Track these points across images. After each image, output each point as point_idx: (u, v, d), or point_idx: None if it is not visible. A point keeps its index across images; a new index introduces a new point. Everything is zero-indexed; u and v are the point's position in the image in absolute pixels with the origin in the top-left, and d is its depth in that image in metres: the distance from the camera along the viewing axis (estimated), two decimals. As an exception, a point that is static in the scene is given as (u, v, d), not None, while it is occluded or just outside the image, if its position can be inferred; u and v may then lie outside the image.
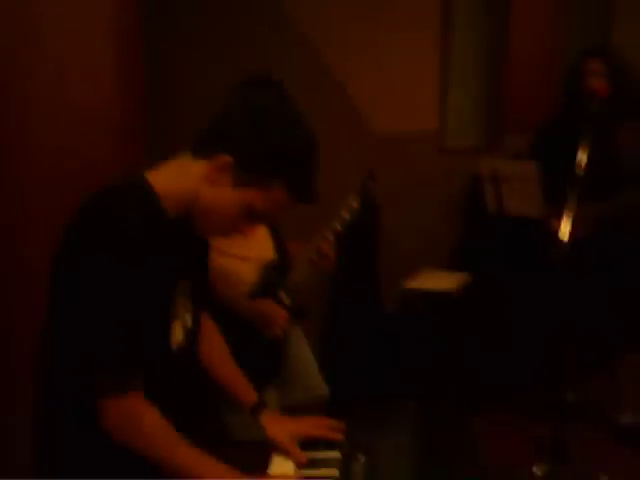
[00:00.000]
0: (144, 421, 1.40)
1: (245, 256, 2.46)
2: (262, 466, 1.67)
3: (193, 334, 1.62)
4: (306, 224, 2.52)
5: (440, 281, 3.88)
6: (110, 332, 1.35)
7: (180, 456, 1.42)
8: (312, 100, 2.54)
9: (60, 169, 2.33)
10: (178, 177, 1.48)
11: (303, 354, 2.75)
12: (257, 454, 1.71)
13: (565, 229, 2.83)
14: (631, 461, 3.31)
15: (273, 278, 2.53)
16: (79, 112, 2.39)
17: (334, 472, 1.45)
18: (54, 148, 2.32)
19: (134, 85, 2.65)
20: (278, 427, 1.75)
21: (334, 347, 3.80)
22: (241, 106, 1.46)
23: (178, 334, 1.54)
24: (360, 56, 3.89)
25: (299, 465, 1.66)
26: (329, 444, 1.73)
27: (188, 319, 1.59)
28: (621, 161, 3.19)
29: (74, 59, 2.36)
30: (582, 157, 2.89)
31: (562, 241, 2.81)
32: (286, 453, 1.70)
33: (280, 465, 1.68)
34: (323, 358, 3.32)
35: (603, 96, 3.06)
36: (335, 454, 1.68)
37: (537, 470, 3.09)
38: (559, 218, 2.86)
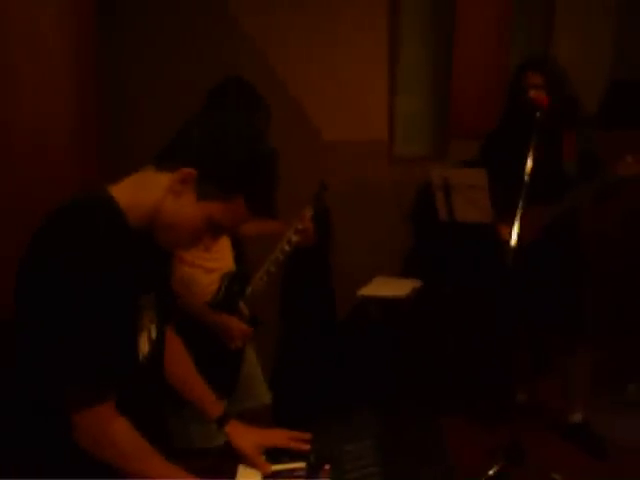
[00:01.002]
0: (114, 433, 1.41)
1: (207, 267, 2.47)
2: (228, 476, 1.67)
3: (158, 345, 1.62)
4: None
5: (392, 288, 3.92)
6: (76, 346, 1.35)
7: (150, 468, 1.42)
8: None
9: (14, 182, 2.28)
10: (141, 190, 1.48)
11: (251, 362, 2.78)
12: (222, 464, 1.72)
13: (513, 234, 2.91)
14: (583, 460, 3.40)
15: (233, 289, 2.54)
16: (33, 124, 2.35)
17: None
18: (7, 161, 2.28)
19: (89, 96, 2.62)
20: (243, 438, 1.76)
21: (288, 355, 3.80)
22: (204, 121, 1.49)
23: (144, 346, 1.54)
24: (310, 66, 3.93)
25: (265, 475, 1.66)
26: (294, 455, 1.73)
27: (153, 331, 1.59)
28: (564, 173, 3.28)
29: (28, 71, 2.32)
30: (528, 163, 2.96)
31: (510, 246, 2.88)
32: (251, 464, 1.71)
33: (246, 475, 1.68)
34: (276, 366, 3.34)
35: (544, 106, 3.14)
36: (301, 465, 1.68)
37: (491, 472, 3.15)
38: (507, 224, 2.94)
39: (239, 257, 2.61)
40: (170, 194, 1.45)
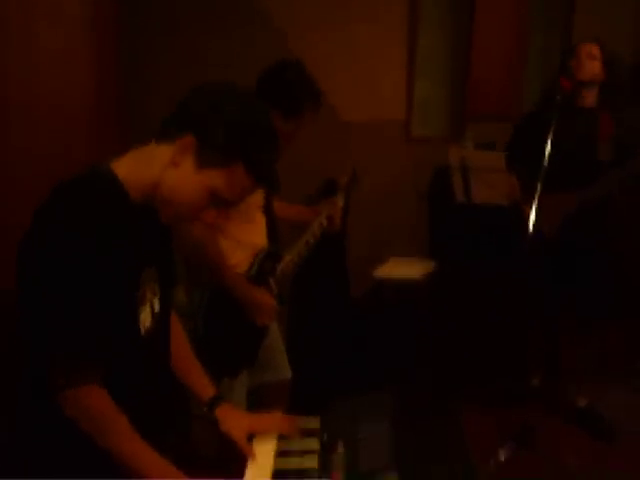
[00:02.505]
0: (94, 409, 1.41)
1: (242, 240, 2.49)
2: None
3: (162, 318, 1.62)
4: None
5: (407, 269, 3.92)
6: (68, 318, 1.36)
7: (124, 447, 1.42)
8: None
9: (34, 155, 2.28)
10: (142, 164, 1.48)
11: (273, 336, 2.80)
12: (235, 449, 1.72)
13: (531, 219, 2.89)
14: (594, 444, 3.40)
15: (267, 266, 2.57)
16: (53, 99, 2.35)
17: (313, 463, 1.45)
18: (28, 134, 2.28)
19: (109, 70, 2.62)
20: (232, 422, 1.75)
21: (304, 335, 3.81)
22: (201, 91, 1.49)
23: (146, 319, 1.54)
24: (329, 47, 3.92)
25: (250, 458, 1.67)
26: (306, 433, 1.73)
27: (156, 304, 1.59)
28: (596, 151, 3.22)
29: (47, 45, 2.31)
30: (547, 148, 2.93)
31: (530, 229, 2.86)
32: (238, 448, 1.70)
33: (260, 453, 1.69)
34: (292, 345, 3.35)
35: (567, 89, 3.09)
36: (314, 443, 1.68)
37: (502, 454, 3.15)
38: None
39: (273, 236, 2.63)
40: (170, 165, 1.45)
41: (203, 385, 1.81)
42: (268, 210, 2.64)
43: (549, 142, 2.93)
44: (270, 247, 2.61)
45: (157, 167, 1.46)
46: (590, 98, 3.19)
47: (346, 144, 3.99)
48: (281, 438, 1.75)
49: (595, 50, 3.17)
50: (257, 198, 2.49)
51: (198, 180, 1.45)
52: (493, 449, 3.18)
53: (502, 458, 3.14)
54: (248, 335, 2.54)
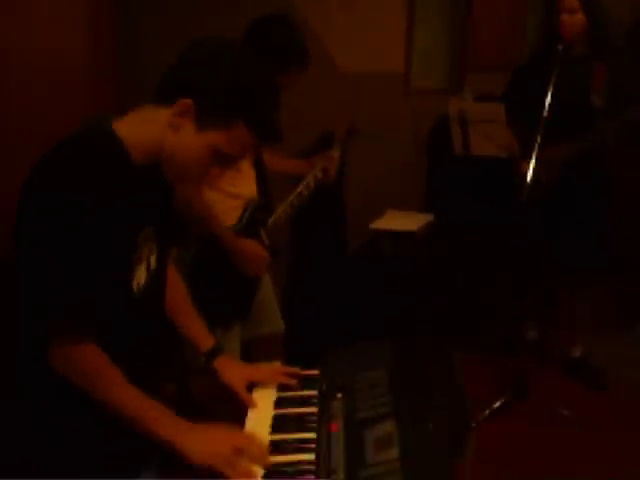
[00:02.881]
0: (88, 363, 1.41)
1: (231, 192, 2.48)
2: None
3: (157, 275, 1.62)
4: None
5: (404, 221, 3.91)
6: (62, 278, 1.35)
7: (120, 396, 1.42)
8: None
9: (31, 117, 2.26)
10: (143, 126, 1.47)
11: (265, 289, 2.81)
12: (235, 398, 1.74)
13: (529, 171, 2.89)
14: (587, 394, 3.46)
15: (257, 217, 2.57)
16: (49, 61, 2.32)
17: (310, 457, 1.46)
18: (24, 98, 2.26)
19: (104, 33, 2.58)
20: (232, 372, 1.77)
21: (302, 286, 3.83)
22: (196, 50, 1.46)
23: (141, 276, 1.54)
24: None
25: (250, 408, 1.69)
26: (305, 383, 1.76)
27: (152, 262, 1.59)
28: (589, 100, 3.20)
29: (43, 9, 2.28)
30: (547, 99, 2.92)
31: (526, 182, 2.86)
32: (238, 398, 1.72)
33: (260, 400, 1.72)
34: (289, 297, 3.37)
35: (568, 38, 3.05)
36: (312, 392, 1.71)
37: (496, 404, 3.20)
38: (528, 160, 2.91)
39: (263, 187, 2.63)
40: (170, 128, 1.44)
41: (202, 336, 1.81)
42: (258, 162, 2.63)
43: (549, 93, 2.92)
44: (260, 198, 2.60)
45: (157, 130, 1.45)
46: (580, 47, 3.14)
47: (344, 95, 3.95)
48: (280, 389, 1.76)
49: (574, 2, 3.11)
50: None
51: (199, 141, 1.44)
52: (489, 398, 3.23)
53: (496, 406, 3.20)
54: (239, 287, 2.54)
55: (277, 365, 1.89)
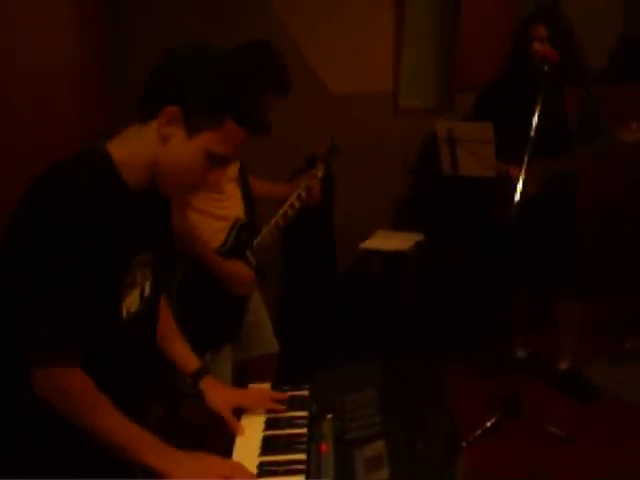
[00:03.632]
0: (73, 388, 1.39)
1: (217, 214, 2.49)
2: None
3: (151, 301, 1.61)
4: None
5: (394, 241, 3.93)
6: (48, 302, 1.34)
7: (104, 422, 1.40)
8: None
9: (21, 137, 2.26)
10: (133, 145, 1.46)
11: (257, 310, 2.81)
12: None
13: (518, 187, 2.92)
14: (578, 411, 3.46)
15: (242, 238, 2.57)
16: (37, 74, 2.32)
17: (300, 478, 1.44)
18: (8, 112, 2.26)
19: (95, 51, 2.59)
20: (217, 395, 1.75)
21: (290, 307, 3.83)
22: (166, 60, 1.46)
23: (133, 302, 1.52)
24: (316, 17, 3.88)
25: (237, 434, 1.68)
26: (295, 404, 1.75)
27: (147, 288, 1.58)
28: (567, 127, 3.27)
29: (31, 20, 2.28)
30: (535, 117, 2.97)
31: (515, 199, 2.90)
32: (223, 422, 1.71)
33: (249, 425, 1.70)
34: (279, 318, 3.36)
35: (554, 60, 3.12)
36: (302, 414, 1.70)
37: (488, 423, 3.20)
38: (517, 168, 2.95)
39: (249, 208, 2.64)
40: (160, 141, 1.43)
41: (187, 359, 1.80)
42: (244, 182, 2.64)
43: (536, 112, 2.97)
44: (246, 219, 2.60)
45: (148, 147, 1.45)
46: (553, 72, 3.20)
47: (333, 116, 3.96)
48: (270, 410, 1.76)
49: (542, 31, 3.19)
50: (228, 170, 2.42)
51: (192, 147, 1.44)
52: (479, 417, 3.23)
53: (488, 425, 3.20)
54: (227, 308, 2.54)
55: (265, 389, 1.87)
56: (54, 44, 2.41)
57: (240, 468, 1.47)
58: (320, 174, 2.80)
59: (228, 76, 1.44)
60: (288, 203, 2.73)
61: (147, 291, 1.58)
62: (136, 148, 1.46)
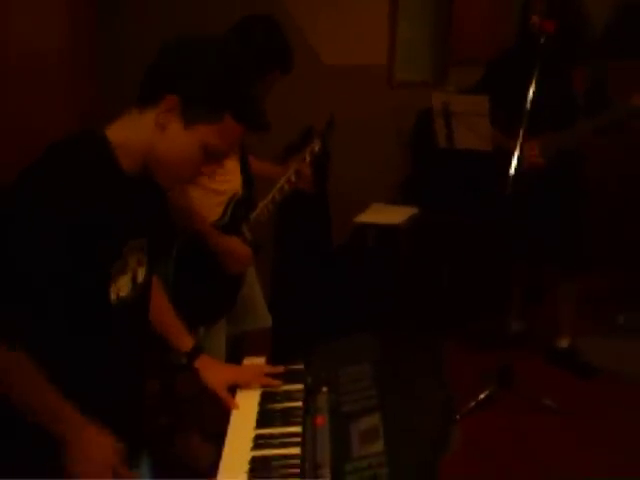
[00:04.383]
0: (9, 364, 1.36)
1: (215, 188, 2.47)
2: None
3: (143, 287, 1.60)
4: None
5: (389, 215, 3.93)
6: (10, 282, 1.32)
7: (34, 393, 1.38)
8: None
9: (8, 117, 2.24)
10: (131, 131, 1.45)
11: (251, 284, 2.82)
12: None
13: (514, 160, 2.91)
14: (571, 385, 3.49)
15: (239, 213, 2.56)
16: (27, 59, 2.29)
17: (296, 450, 1.46)
18: (2, 99, 2.23)
19: (84, 30, 2.56)
20: (213, 373, 1.76)
21: (285, 281, 3.84)
22: (172, 48, 1.45)
23: (124, 287, 1.51)
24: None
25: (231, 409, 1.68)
26: (291, 378, 1.76)
27: (140, 273, 1.57)
28: (573, 99, 3.25)
29: (22, 8, 2.25)
30: (530, 91, 2.95)
31: (510, 171, 2.89)
32: (218, 398, 1.71)
33: (244, 398, 1.72)
34: (273, 291, 3.37)
35: (549, 32, 3.09)
36: (298, 387, 1.71)
37: (482, 395, 3.23)
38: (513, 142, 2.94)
39: (247, 182, 2.63)
40: (157, 129, 1.42)
41: (182, 337, 1.80)
42: (243, 157, 2.63)
43: (531, 86, 2.94)
44: (243, 194, 2.59)
45: (145, 134, 1.43)
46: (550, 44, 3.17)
47: (328, 89, 3.94)
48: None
49: (540, 2, 3.16)
50: None
51: (189, 138, 1.43)
52: (474, 389, 3.25)
53: (482, 397, 3.22)
54: (222, 282, 2.54)
55: (260, 365, 1.87)
56: (43, 28, 2.39)
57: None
58: (317, 148, 2.79)
59: (231, 73, 1.43)
60: (285, 178, 2.73)
61: (140, 277, 1.57)
62: (133, 133, 1.44)
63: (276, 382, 1.76)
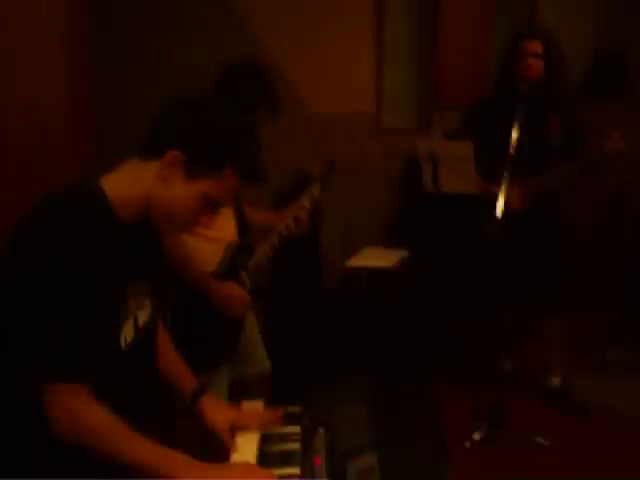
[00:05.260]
0: (87, 416, 1.41)
1: (211, 237, 2.50)
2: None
3: (147, 331, 1.64)
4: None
5: (380, 258, 3.97)
6: (54, 328, 1.36)
7: (128, 449, 1.42)
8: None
9: (9, 166, 2.29)
10: (130, 183, 1.50)
11: (251, 330, 2.83)
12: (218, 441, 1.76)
13: (499, 204, 2.97)
14: (564, 423, 3.50)
15: (237, 260, 2.59)
16: (28, 110, 2.35)
17: (296, 470, 1.50)
18: (2, 148, 2.29)
19: (84, 83, 2.63)
20: (216, 415, 1.78)
21: (277, 324, 3.85)
22: (178, 102, 1.51)
23: (128, 333, 1.55)
24: (299, 41, 3.96)
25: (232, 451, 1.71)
26: (288, 419, 1.79)
27: (141, 317, 1.61)
28: (551, 145, 3.32)
29: (23, 57, 2.32)
30: (514, 136, 3.02)
31: (496, 215, 2.94)
32: (221, 439, 1.74)
33: (243, 442, 1.74)
34: (266, 334, 3.38)
35: (534, 79, 3.18)
36: (295, 428, 1.74)
37: (476, 436, 3.24)
38: (497, 187, 3.00)
39: (242, 228, 2.65)
40: (159, 181, 1.48)
41: (185, 379, 1.83)
42: (237, 204, 2.65)
43: (514, 130, 3.02)
44: (241, 241, 2.62)
45: (146, 185, 1.48)
46: (538, 91, 3.24)
47: (317, 136, 4.02)
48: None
49: (538, 47, 3.22)
50: None
51: (189, 191, 1.48)
52: (467, 431, 3.26)
53: (476, 439, 3.23)
54: (221, 328, 2.55)
55: (260, 406, 1.90)
56: (43, 78, 2.45)
57: (270, 476, 1.51)
58: (316, 193, 2.80)
59: (233, 129, 1.49)
60: (284, 224, 2.73)
61: (142, 319, 1.61)
62: (133, 184, 1.50)
63: (276, 423, 1.78)
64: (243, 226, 2.67)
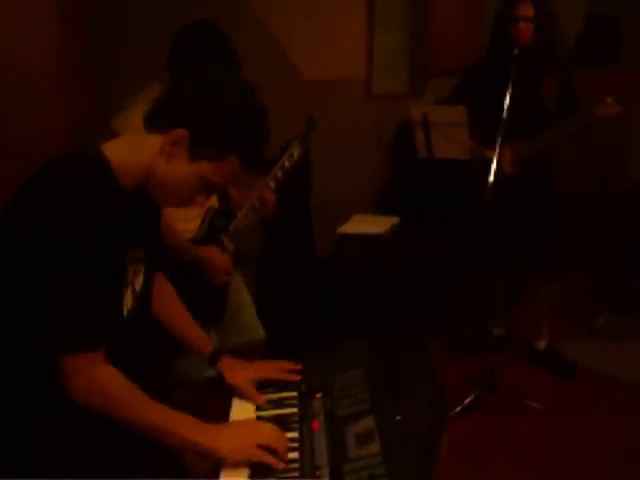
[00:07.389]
0: (102, 379, 1.43)
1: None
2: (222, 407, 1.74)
3: (143, 298, 1.64)
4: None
5: (371, 225, 3.97)
6: (61, 297, 1.36)
7: (143, 413, 1.44)
8: (243, 49, 2.56)
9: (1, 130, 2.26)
10: (133, 151, 1.50)
11: (241, 298, 2.82)
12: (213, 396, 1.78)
13: (492, 169, 2.96)
14: (553, 386, 3.56)
15: (217, 224, 2.56)
16: (18, 69, 2.31)
17: (295, 455, 1.49)
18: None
19: (76, 39, 2.58)
20: (236, 373, 1.80)
21: (270, 292, 3.86)
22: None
23: (128, 301, 1.56)
24: (289, 6, 3.89)
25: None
26: (286, 385, 1.80)
27: (138, 284, 1.61)
28: (544, 109, 3.32)
29: (12, 16, 2.28)
30: (507, 100, 3.01)
31: (489, 180, 2.94)
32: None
33: (240, 408, 1.74)
34: (260, 302, 3.39)
35: (525, 42, 3.16)
36: (292, 394, 1.75)
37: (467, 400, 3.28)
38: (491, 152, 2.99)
39: (223, 195, 2.62)
40: (162, 156, 1.47)
41: (202, 340, 1.86)
42: None
43: (507, 94, 3.01)
44: (220, 205, 2.59)
45: (148, 157, 1.47)
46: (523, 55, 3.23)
47: (308, 102, 3.99)
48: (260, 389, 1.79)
49: (529, 11, 3.21)
50: None
51: (190, 171, 1.47)
52: (459, 394, 3.30)
53: (467, 402, 3.27)
54: (206, 295, 2.51)
55: (280, 362, 1.90)
56: (34, 35, 2.40)
57: (276, 430, 1.52)
58: (296, 154, 2.72)
59: (243, 117, 1.47)
60: (263, 185, 2.66)
61: (138, 287, 1.61)
62: (135, 154, 1.49)
63: (296, 377, 1.80)
64: (223, 192, 2.62)
